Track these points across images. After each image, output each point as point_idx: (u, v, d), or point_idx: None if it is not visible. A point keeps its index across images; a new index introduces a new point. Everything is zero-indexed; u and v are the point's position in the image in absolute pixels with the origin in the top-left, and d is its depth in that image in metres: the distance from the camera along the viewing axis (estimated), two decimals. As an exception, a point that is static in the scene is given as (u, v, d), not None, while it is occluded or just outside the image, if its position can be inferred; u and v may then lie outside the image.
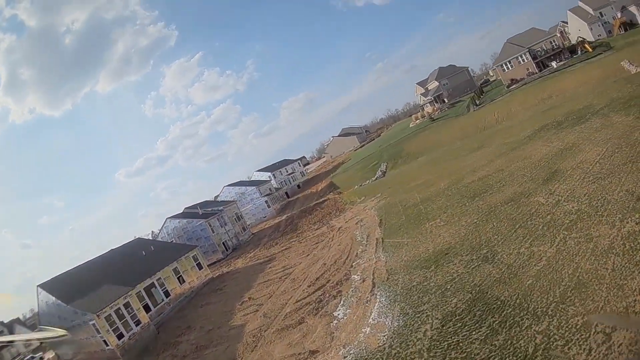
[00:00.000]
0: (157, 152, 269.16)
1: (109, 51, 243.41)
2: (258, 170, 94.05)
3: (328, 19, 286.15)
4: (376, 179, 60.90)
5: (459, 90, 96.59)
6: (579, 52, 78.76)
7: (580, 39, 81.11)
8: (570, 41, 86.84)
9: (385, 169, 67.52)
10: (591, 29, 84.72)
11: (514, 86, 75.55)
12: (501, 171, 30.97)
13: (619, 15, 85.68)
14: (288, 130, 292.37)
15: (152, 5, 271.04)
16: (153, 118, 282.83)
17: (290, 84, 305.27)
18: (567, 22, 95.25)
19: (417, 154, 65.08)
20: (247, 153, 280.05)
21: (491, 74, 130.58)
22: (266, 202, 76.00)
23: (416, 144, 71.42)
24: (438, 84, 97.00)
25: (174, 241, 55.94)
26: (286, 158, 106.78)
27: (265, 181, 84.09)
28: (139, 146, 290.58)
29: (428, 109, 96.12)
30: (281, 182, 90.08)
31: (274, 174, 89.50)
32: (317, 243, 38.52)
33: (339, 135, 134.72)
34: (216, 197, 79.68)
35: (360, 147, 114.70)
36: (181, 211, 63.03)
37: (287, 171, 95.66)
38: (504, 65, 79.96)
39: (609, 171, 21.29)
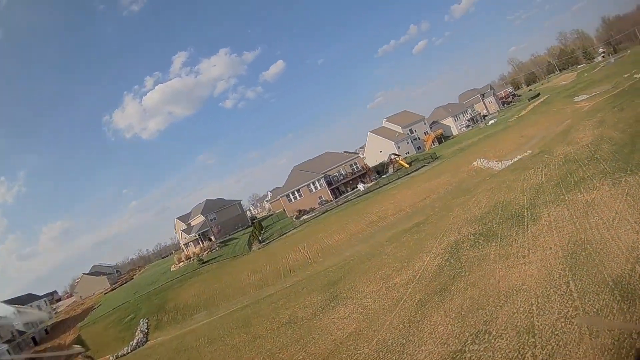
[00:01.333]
0: None
1: None
2: (3, 302, 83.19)
3: (96, 148, 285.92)
4: (137, 345, 51.62)
5: (230, 226, 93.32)
6: (391, 170, 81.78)
7: (393, 156, 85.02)
8: (366, 164, 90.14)
9: (147, 330, 54.32)
10: (399, 147, 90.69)
11: (305, 217, 73.12)
12: (487, 335, 17.46)
13: (430, 130, 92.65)
14: (45, 258, 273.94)
15: None
16: None
17: (53, 207, 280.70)
18: (350, 152, 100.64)
19: (192, 308, 52.81)
20: (10, 275, 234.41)
21: (249, 213, 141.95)
22: (8, 351, 64.65)
23: (187, 293, 58.29)
24: (204, 218, 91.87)
25: None
26: (32, 292, 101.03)
27: (7, 320, 71.88)
28: None
29: (193, 248, 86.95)
30: (27, 324, 77.58)
31: (19, 311, 78.98)
32: None
33: (89, 273, 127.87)
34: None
35: (111, 289, 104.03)
36: None
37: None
38: (290, 195, 78.97)
39: None
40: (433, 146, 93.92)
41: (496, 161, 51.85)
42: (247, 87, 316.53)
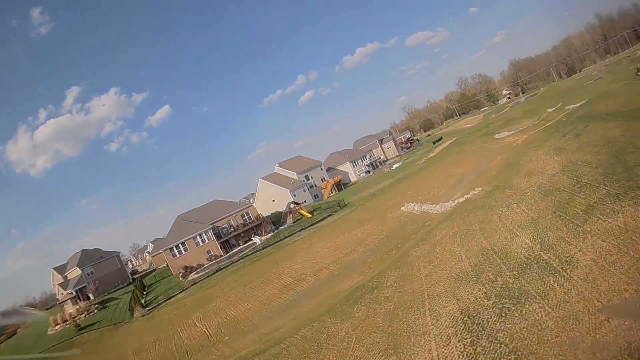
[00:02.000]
0: None
1: None
2: None
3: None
4: None
5: (109, 282, 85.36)
6: (290, 220, 75.55)
7: (293, 205, 77.62)
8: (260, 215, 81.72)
9: None
10: (294, 195, 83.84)
11: (193, 275, 66.76)
12: None
13: (327, 176, 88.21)
14: None
15: None
16: None
17: None
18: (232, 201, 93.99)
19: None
20: None
21: (130, 265, 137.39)
22: None
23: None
24: (81, 272, 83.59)
25: None
26: None
27: None
28: None
29: (71, 307, 76.36)
30: None
31: None
32: None
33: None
34: None
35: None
36: None
37: None
38: (174, 248, 72.06)
39: None
40: (332, 194, 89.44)
41: (432, 204, 47.13)
42: (133, 131, 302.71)
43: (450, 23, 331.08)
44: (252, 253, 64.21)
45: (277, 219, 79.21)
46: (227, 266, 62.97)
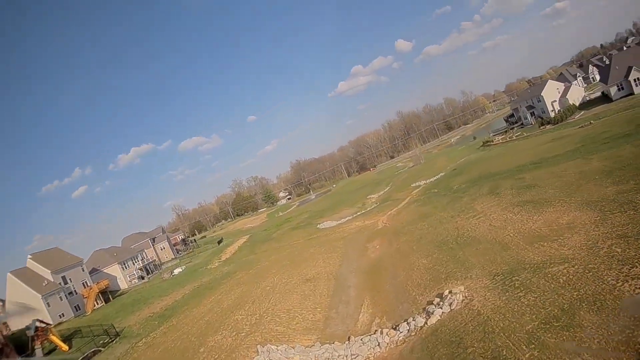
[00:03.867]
0: None
1: None
2: None
3: None
4: None
5: None
6: (40, 352, 50.99)
7: (39, 324, 52.59)
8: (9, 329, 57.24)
9: None
10: (49, 305, 62.44)
11: None
12: None
13: (91, 280, 69.81)
14: None
15: None
16: None
17: None
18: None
19: None
20: None
21: None
22: None
23: None
24: None
25: None
26: None
27: None
28: None
29: None
30: None
31: None
32: None
33: None
34: None
35: None
36: None
37: None
38: None
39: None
40: (97, 305, 68.31)
41: (327, 343, 29.50)
42: None
43: (226, 130, 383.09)
44: None
45: (24, 343, 51.54)
46: None
